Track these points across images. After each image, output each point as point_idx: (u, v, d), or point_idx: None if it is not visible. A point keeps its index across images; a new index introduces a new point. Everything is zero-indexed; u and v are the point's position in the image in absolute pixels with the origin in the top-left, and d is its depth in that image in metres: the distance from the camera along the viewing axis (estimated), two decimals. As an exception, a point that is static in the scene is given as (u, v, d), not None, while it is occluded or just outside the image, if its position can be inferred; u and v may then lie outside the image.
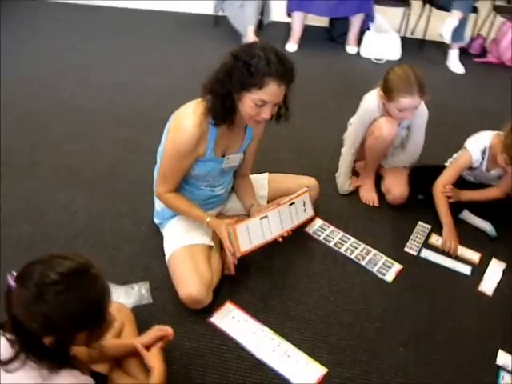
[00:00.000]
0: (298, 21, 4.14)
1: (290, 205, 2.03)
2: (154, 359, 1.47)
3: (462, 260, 2.21)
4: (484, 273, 2.15)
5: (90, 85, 3.41)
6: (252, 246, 1.89)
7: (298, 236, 2.22)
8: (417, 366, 1.76)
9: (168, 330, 1.55)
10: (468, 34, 4.18)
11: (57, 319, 1.05)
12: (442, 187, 2.31)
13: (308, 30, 4.29)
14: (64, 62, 3.68)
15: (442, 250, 2.24)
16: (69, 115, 3.06)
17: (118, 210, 2.34)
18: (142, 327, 1.78)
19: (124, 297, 1.91)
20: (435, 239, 2.30)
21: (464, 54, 4.21)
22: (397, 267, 2.15)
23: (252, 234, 1.89)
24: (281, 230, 1.96)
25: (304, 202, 2.11)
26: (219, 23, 4.48)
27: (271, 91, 1.63)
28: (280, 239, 1.95)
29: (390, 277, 2.10)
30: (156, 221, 2.15)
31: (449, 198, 2.30)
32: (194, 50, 4.06)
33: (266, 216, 1.93)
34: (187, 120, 1.75)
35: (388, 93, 2.22)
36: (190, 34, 4.38)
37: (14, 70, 3.50)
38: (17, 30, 4.10)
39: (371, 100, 2.35)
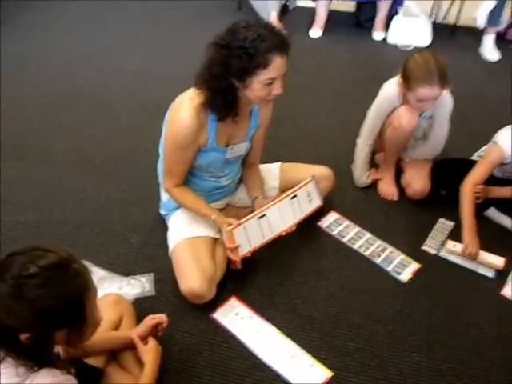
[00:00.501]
0: (322, 5, 3.98)
1: (292, 198, 1.91)
2: (149, 353, 1.42)
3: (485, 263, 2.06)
4: (508, 276, 2.01)
5: (106, 71, 3.36)
6: (251, 248, 1.80)
7: (310, 230, 2.13)
8: (429, 374, 1.65)
9: (162, 318, 1.52)
10: (505, 18, 3.92)
11: (31, 315, 1.00)
12: (472, 186, 2.09)
13: (333, 16, 4.13)
14: (80, 48, 3.63)
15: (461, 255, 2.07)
16: (83, 101, 3.01)
17: (127, 198, 2.29)
18: (143, 319, 1.72)
19: (127, 288, 1.86)
20: (452, 245, 2.09)
21: (500, 39, 3.95)
22: (413, 266, 2.03)
23: (251, 236, 1.79)
24: (282, 226, 1.87)
25: (308, 193, 1.99)
26: (242, 8, 4.36)
27: (277, 66, 1.55)
28: (284, 233, 1.86)
29: (405, 276, 1.98)
30: (162, 212, 2.08)
31: (477, 198, 2.11)
32: (215, 35, 3.96)
33: (265, 215, 1.82)
34: (184, 111, 1.67)
35: (407, 81, 2.08)
36: (211, 18, 4.26)
37: (29, 56, 3.48)
38: (34, 16, 4.07)
39: (391, 88, 2.22)
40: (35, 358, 1.05)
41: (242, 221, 1.77)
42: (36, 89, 3.10)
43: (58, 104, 2.98)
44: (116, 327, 1.55)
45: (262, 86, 1.57)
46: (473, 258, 2.03)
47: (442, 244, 2.14)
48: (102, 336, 1.40)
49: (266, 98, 1.64)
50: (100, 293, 1.19)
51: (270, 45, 1.51)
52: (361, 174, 2.41)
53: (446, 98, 2.18)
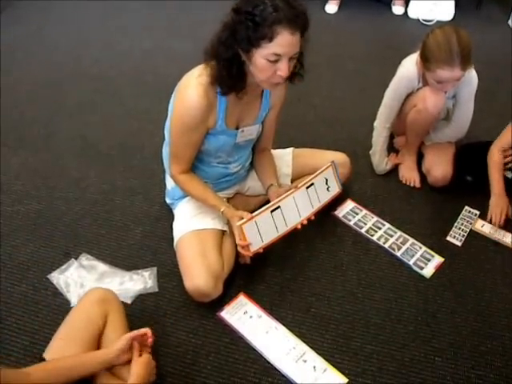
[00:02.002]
0: (339, -21, 3.78)
1: (308, 187, 1.77)
2: (138, 365, 1.30)
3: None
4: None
5: (114, 52, 3.24)
6: (264, 243, 1.65)
7: (325, 220, 1.99)
8: (455, 382, 1.51)
9: (146, 332, 1.36)
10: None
11: None
12: (499, 151, 2.05)
13: (350, -11, 3.92)
14: (88, 29, 3.51)
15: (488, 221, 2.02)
16: (89, 84, 2.90)
17: (131, 186, 2.18)
18: (145, 317, 1.66)
19: (129, 284, 1.76)
20: (480, 225, 2.02)
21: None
22: (437, 260, 1.88)
23: (263, 230, 1.64)
24: (298, 218, 1.71)
25: (326, 180, 1.84)
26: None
27: (284, 41, 1.38)
28: (299, 226, 1.71)
29: (428, 271, 1.84)
30: (167, 201, 1.97)
31: (505, 164, 2.03)
32: (224, 12, 3.79)
33: (278, 207, 1.67)
34: (191, 89, 1.53)
35: (425, 61, 1.91)
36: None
37: (36, 38, 3.37)
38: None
39: (410, 66, 2.04)
40: None
41: (253, 215, 1.63)
42: (42, 72, 3.00)
43: (64, 87, 2.87)
44: (100, 329, 1.40)
45: (266, 62, 1.41)
46: (500, 223, 2.01)
47: (469, 234, 1.99)
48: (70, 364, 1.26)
49: (270, 80, 1.48)
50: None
51: (281, 17, 1.34)
52: (380, 160, 2.25)
53: (471, 76, 2.00)
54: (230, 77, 1.48)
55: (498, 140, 2.10)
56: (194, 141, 1.64)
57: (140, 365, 1.30)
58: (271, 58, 1.40)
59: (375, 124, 2.24)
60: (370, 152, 2.29)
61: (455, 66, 1.84)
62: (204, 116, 1.57)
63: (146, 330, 1.36)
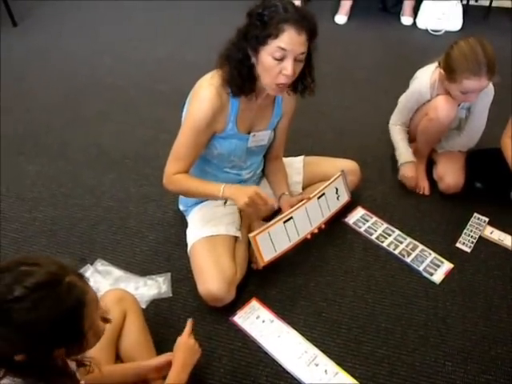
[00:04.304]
0: (348, -10, 3.83)
1: (319, 197, 1.80)
2: (179, 350, 1.34)
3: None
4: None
5: (129, 61, 3.31)
6: (277, 253, 1.69)
7: (336, 227, 2.02)
8: (466, 386, 1.53)
9: None
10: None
11: (22, 339, 0.90)
12: (510, 137, 2.06)
13: (359, 0, 3.96)
14: (103, 39, 3.59)
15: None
16: (104, 93, 2.96)
17: (145, 193, 2.22)
18: (160, 321, 1.69)
19: (143, 289, 1.79)
20: (489, 231, 2.03)
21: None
22: (447, 266, 1.90)
23: (276, 241, 1.68)
24: (309, 227, 1.75)
25: (336, 189, 1.88)
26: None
27: (289, 38, 1.43)
28: (309, 236, 1.75)
29: (438, 277, 1.86)
30: (181, 207, 2.00)
31: None
32: (241, 22, 3.85)
33: (291, 218, 1.70)
34: (203, 91, 1.58)
35: (450, 72, 1.92)
36: (235, 5, 4.14)
37: (52, 49, 3.45)
38: (55, 8, 4.03)
39: (423, 79, 2.07)
40: (35, 374, 0.97)
41: (266, 226, 1.66)
42: (57, 81, 3.07)
43: (80, 97, 2.94)
44: (119, 327, 1.45)
45: (272, 60, 1.46)
46: None
47: (478, 241, 2.00)
48: (112, 369, 1.31)
49: (276, 80, 1.51)
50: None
51: (287, 16, 1.41)
52: (405, 149, 2.22)
53: (489, 88, 2.02)
54: (241, 77, 1.53)
55: (507, 129, 2.10)
56: (200, 143, 1.65)
57: (182, 349, 1.33)
58: (277, 53, 1.44)
59: (390, 126, 2.29)
60: (395, 152, 2.29)
61: (482, 76, 1.85)
62: (215, 116, 1.60)
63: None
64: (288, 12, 1.42)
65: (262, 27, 1.43)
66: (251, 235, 1.62)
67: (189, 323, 1.42)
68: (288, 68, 1.47)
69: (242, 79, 1.54)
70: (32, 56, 3.34)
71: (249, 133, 1.73)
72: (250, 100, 1.62)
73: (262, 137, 1.77)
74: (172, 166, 1.68)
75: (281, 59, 1.46)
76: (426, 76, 2.08)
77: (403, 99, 2.18)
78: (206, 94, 1.58)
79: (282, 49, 1.44)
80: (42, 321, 0.90)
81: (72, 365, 1.07)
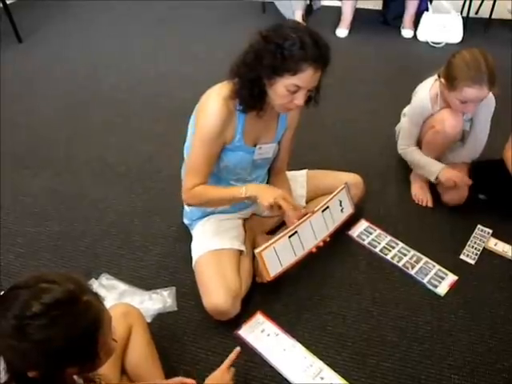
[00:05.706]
0: (348, 4, 3.87)
1: (324, 211, 1.81)
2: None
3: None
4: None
5: (131, 76, 3.34)
6: (283, 268, 1.70)
7: (340, 239, 2.01)
8: (472, 399, 1.53)
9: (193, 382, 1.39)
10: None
11: (37, 356, 0.91)
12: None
13: (360, 14, 4.02)
14: (106, 54, 3.63)
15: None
16: (107, 107, 2.99)
17: (149, 207, 2.23)
18: (165, 335, 1.69)
19: (149, 303, 1.80)
20: (493, 243, 2.04)
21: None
22: (451, 278, 1.90)
23: (281, 256, 1.68)
24: (314, 241, 1.76)
25: (340, 201, 1.89)
26: (267, 10, 4.28)
27: (306, 77, 1.47)
28: (314, 250, 1.75)
29: (442, 289, 1.86)
30: (185, 221, 2.01)
31: None
32: (240, 37, 3.88)
33: (296, 232, 1.71)
34: (212, 102, 1.60)
35: (450, 80, 1.93)
36: (236, 21, 4.21)
37: (55, 65, 3.49)
38: (60, 24, 4.09)
39: (422, 94, 2.09)
40: None
41: (271, 241, 1.66)
42: (61, 96, 3.11)
43: (83, 111, 2.96)
44: (125, 341, 1.44)
45: (285, 91, 1.50)
46: None
47: (482, 253, 2.01)
48: None
49: (286, 105, 1.57)
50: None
51: (308, 55, 1.43)
52: (432, 161, 2.17)
53: (489, 98, 2.03)
54: (251, 96, 1.55)
55: (510, 141, 2.11)
56: (214, 153, 1.66)
57: None
58: (291, 88, 1.49)
59: (400, 152, 2.27)
60: (418, 172, 2.27)
61: (483, 84, 1.87)
62: (224, 126, 1.61)
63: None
64: (308, 49, 1.43)
65: (281, 60, 1.44)
66: (257, 251, 1.63)
67: (233, 354, 1.43)
68: (300, 100, 1.52)
69: (252, 99, 1.56)
70: (36, 71, 3.38)
71: (255, 145, 1.74)
72: (258, 115, 1.64)
73: (268, 149, 1.79)
74: (190, 181, 1.69)
75: (294, 92, 1.50)
76: (425, 90, 2.10)
77: (408, 118, 2.19)
78: (214, 105, 1.59)
79: (298, 86, 1.48)
80: (58, 338, 0.90)
81: (79, 381, 1.08)
